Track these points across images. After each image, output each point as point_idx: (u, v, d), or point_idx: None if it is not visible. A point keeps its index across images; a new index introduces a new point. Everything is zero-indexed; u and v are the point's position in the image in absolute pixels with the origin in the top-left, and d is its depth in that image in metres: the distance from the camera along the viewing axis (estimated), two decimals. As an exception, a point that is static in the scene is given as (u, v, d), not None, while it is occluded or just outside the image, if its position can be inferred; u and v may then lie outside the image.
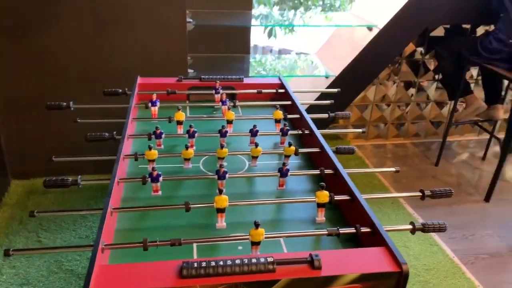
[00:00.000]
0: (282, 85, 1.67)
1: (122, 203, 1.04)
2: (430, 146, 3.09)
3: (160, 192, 1.05)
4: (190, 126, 1.24)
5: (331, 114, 1.47)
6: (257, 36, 6.10)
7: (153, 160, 1.12)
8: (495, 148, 2.98)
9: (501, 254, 2.08)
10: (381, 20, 2.50)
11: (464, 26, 2.84)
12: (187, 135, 1.25)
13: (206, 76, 1.63)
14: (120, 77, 1.87)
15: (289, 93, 1.59)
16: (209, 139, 1.30)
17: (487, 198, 2.49)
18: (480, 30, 2.85)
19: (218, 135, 1.27)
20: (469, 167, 2.86)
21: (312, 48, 3.57)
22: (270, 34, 6.54)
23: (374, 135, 3.12)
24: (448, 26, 2.80)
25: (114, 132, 1.28)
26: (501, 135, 2.64)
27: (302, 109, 1.45)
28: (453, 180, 2.69)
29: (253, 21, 5.09)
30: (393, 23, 2.45)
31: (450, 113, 2.72)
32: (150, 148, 1.11)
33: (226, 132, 1.27)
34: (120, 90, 1.56)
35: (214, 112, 1.55)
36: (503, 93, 2.81)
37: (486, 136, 2.96)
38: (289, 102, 1.57)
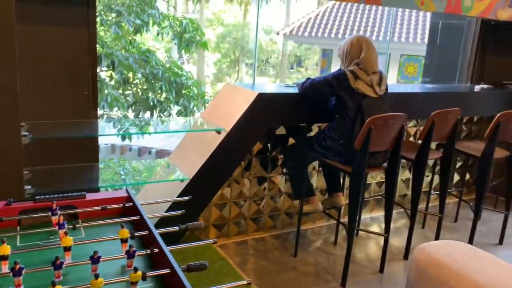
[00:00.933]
0: (129, 198, 1.59)
1: None
2: (287, 236, 3.22)
3: None
4: (15, 263, 1.07)
5: (181, 226, 1.43)
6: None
7: (-38, 315, 0.92)
8: (344, 232, 3.23)
9: None
10: (228, 123, 2.64)
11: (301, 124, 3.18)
12: (11, 274, 1.07)
13: (41, 196, 1.47)
14: None
15: (137, 206, 1.51)
16: (43, 274, 1.13)
17: (343, 283, 2.62)
18: (316, 127, 3.21)
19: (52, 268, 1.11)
20: (324, 254, 3.02)
21: (171, 145, 3.56)
22: (124, 138, 6.42)
23: (235, 232, 3.14)
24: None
25: None
26: (346, 219, 2.89)
27: (151, 224, 1.38)
28: (311, 269, 2.80)
29: (107, 125, 4.96)
30: (238, 126, 2.61)
31: (300, 204, 2.91)
32: (-43, 301, 0.91)
33: (62, 263, 1.12)
34: None
35: (52, 237, 1.38)
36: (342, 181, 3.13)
37: (334, 221, 3.21)
38: (137, 217, 1.49)
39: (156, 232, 1.32)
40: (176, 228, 1.43)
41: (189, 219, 1.48)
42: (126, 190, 1.64)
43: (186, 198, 1.66)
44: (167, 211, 2.08)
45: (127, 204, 1.57)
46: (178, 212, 1.55)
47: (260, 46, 21.40)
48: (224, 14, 21.09)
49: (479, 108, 3.83)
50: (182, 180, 2.62)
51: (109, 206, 1.54)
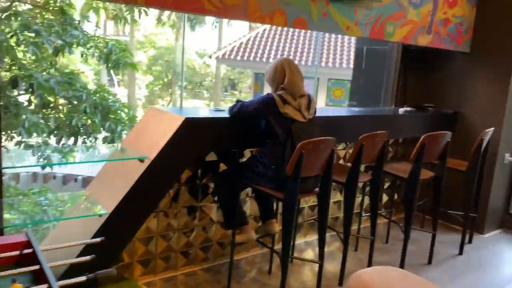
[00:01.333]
0: (29, 244, 1.36)
1: None
2: (220, 268, 3.05)
3: None
4: None
5: (89, 275, 1.23)
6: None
7: None
8: (278, 260, 3.12)
9: None
10: (152, 150, 2.46)
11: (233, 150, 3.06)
12: None
13: None
14: None
15: (37, 253, 1.30)
16: None
17: (278, 316, 2.50)
18: (248, 152, 3.12)
19: None
20: (258, 284, 2.89)
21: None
22: (43, 167, 5.95)
23: (163, 268, 2.92)
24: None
25: None
26: (280, 246, 2.78)
27: (51, 275, 1.17)
28: (245, 303, 2.66)
29: (25, 153, 4.53)
30: (163, 154, 2.44)
31: (232, 234, 2.77)
32: None
33: None
34: None
35: None
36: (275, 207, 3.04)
37: (268, 249, 3.10)
38: (37, 267, 1.27)
39: (56, 285, 1.12)
40: (82, 278, 1.23)
41: (108, 259, 1.31)
42: (26, 233, 1.41)
43: (98, 239, 1.47)
44: (80, 254, 1.84)
45: (26, 251, 1.35)
46: (88, 258, 1.36)
47: (193, 69, 21.33)
48: (155, 37, 20.83)
49: (404, 130, 3.96)
50: (100, 215, 2.37)
51: (2, 254, 1.31)
